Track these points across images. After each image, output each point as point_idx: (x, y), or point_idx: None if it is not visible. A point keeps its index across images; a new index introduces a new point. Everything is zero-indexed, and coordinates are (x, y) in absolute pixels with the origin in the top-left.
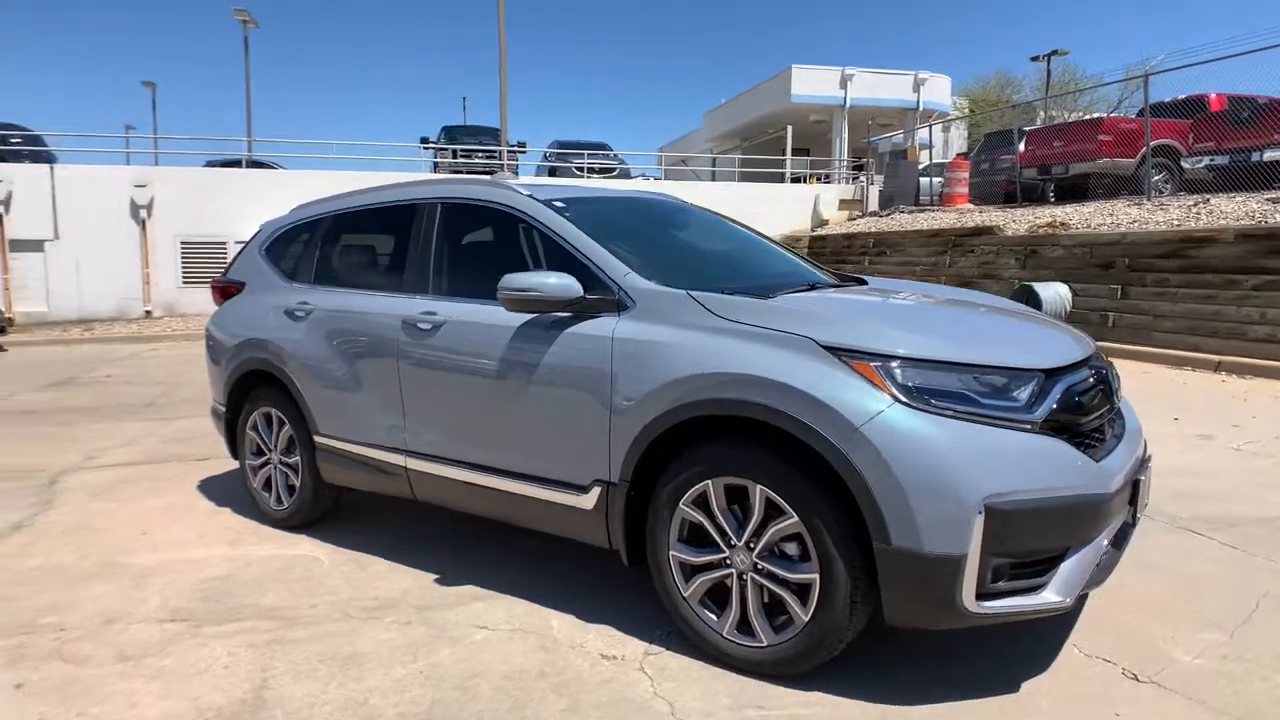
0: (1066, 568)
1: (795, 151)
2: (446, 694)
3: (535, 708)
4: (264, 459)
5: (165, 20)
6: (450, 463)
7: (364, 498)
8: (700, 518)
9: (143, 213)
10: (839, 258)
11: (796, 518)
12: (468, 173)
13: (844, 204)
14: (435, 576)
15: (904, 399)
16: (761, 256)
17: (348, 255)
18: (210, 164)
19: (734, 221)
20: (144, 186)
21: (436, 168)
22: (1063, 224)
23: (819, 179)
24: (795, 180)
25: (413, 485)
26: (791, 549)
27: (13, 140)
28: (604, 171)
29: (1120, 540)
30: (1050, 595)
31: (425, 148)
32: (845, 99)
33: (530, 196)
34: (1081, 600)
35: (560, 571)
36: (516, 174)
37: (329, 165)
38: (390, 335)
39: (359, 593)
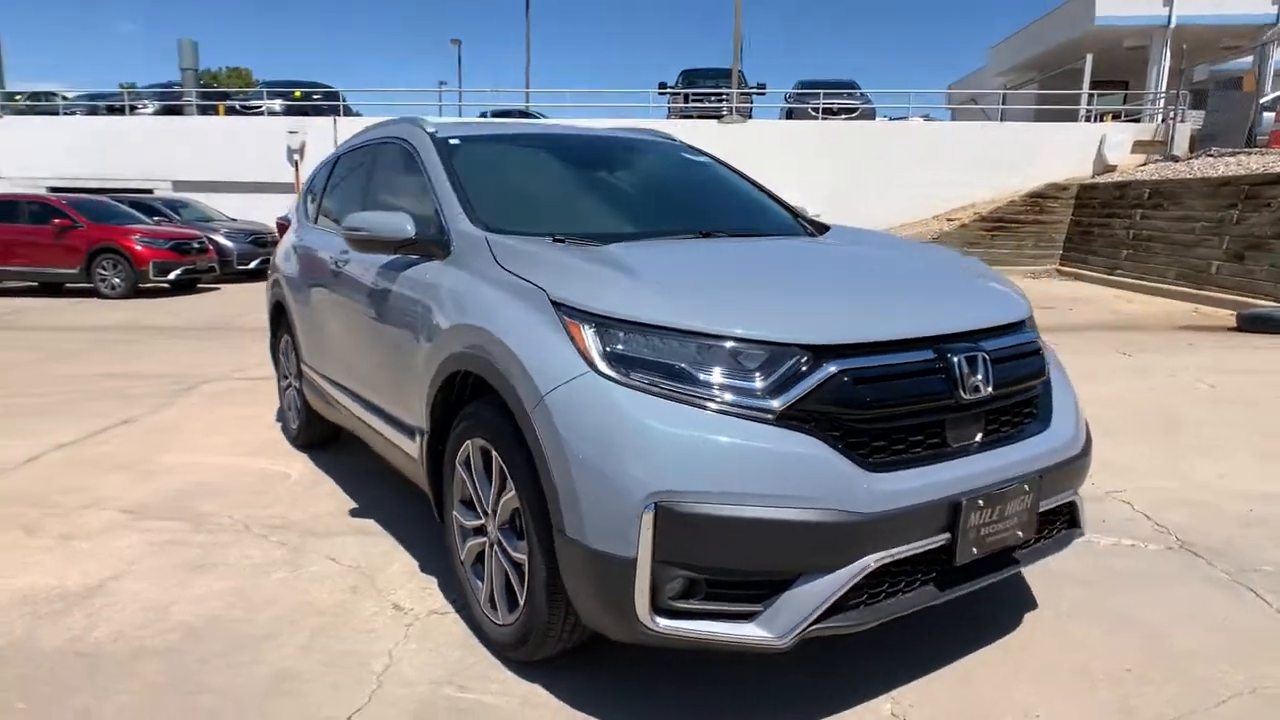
0: (791, 599)
1: (1108, 85)
2: (231, 613)
3: (279, 640)
4: (287, 381)
5: None
6: (358, 400)
7: None
8: (466, 479)
9: None
10: (1107, 211)
11: (515, 490)
12: (699, 117)
13: (1140, 146)
14: (354, 506)
15: (603, 367)
16: (711, 204)
17: (331, 194)
18: (482, 115)
19: (729, 168)
20: None
21: (670, 113)
22: None
23: (1114, 117)
24: (1098, 118)
25: (344, 419)
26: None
27: (315, 96)
28: (845, 111)
29: (949, 580)
30: (757, 630)
31: (661, 93)
32: (1170, 17)
33: (430, 134)
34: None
35: None
36: (749, 116)
37: (571, 114)
38: (328, 271)
39: (282, 511)
